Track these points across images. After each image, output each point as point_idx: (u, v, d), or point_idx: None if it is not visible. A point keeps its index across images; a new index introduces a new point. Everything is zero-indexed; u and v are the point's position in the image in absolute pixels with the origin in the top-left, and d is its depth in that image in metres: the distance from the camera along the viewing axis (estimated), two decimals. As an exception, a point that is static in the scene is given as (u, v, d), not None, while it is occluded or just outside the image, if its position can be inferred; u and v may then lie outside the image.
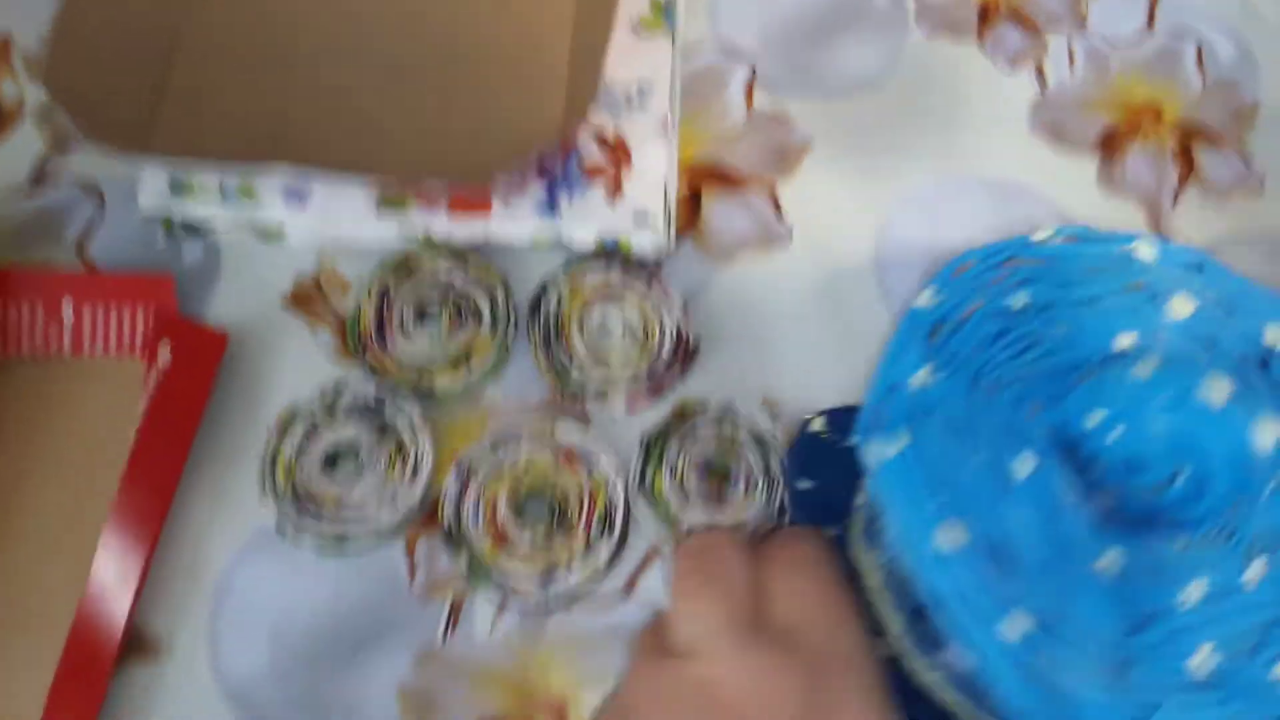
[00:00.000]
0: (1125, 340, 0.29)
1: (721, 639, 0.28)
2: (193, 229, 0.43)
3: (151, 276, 0.41)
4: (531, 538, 0.38)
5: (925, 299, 0.30)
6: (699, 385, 0.41)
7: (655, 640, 0.31)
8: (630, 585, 0.38)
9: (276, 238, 0.43)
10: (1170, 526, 0.28)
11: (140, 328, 0.41)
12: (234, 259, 0.43)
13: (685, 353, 0.41)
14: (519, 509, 0.38)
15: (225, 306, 0.43)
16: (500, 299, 0.42)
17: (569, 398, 0.41)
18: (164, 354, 0.39)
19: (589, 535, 0.38)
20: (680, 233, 0.44)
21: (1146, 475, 0.28)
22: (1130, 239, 0.30)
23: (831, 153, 0.46)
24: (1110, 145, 0.43)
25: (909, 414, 0.27)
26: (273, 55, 0.42)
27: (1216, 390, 0.27)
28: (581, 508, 0.38)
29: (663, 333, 0.41)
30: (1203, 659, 0.25)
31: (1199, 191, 0.42)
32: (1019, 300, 0.29)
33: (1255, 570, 0.26)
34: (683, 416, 0.40)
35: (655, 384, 0.40)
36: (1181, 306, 0.29)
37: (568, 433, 0.39)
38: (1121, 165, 0.42)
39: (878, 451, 0.26)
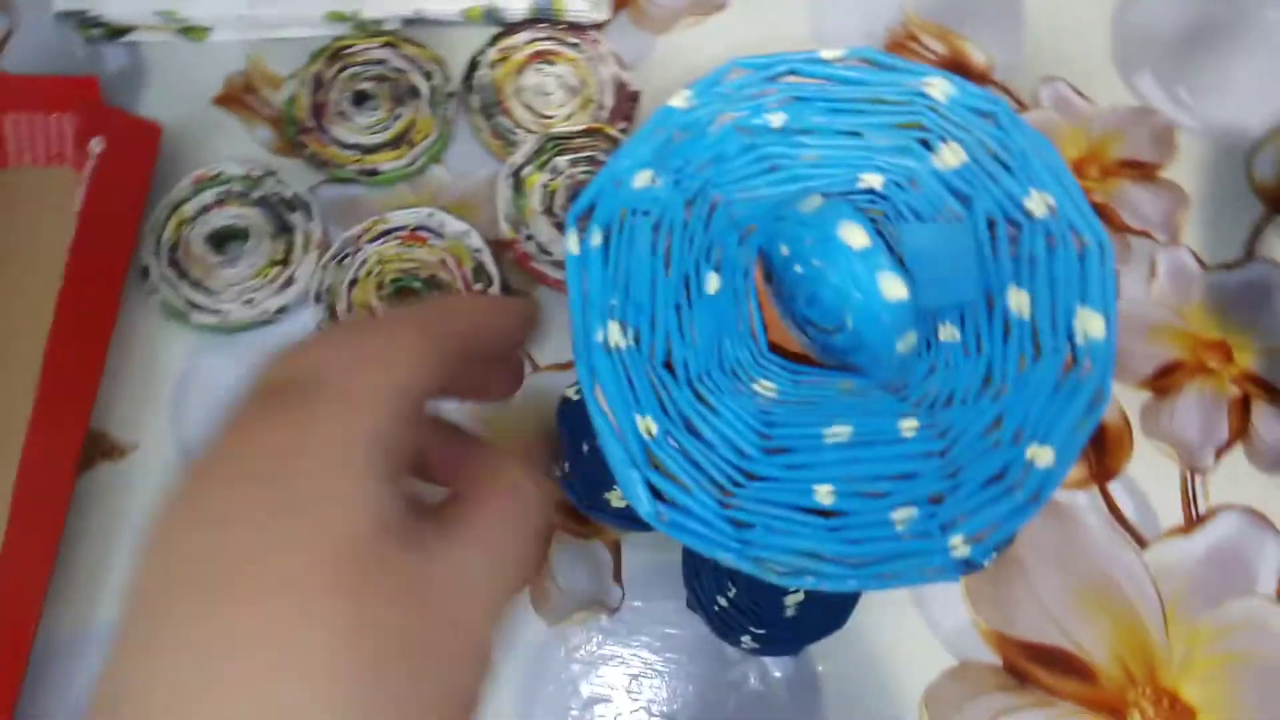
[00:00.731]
0: (871, 180, 0.28)
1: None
2: (113, 31, 0.41)
3: (75, 79, 0.40)
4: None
5: (681, 100, 0.27)
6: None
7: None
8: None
9: (201, 35, 0.42)
10: (841, 369, 0.29)
11: (69, 133, 0.40)
12: (159, 61, 0.42)
13: (628, 101, 0.40)
14: (392, 302, 0.38)
15: (154, 110, 0.41)
16: (437, 76, 0.41)
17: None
18: (96, 149, 0.38)
19: (473, 291, 0.37)
20: (617, 7, 0.43)
21: (823, 316, 0.27)
22: (927, 73, 0.28)
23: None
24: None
25: (622, 211, 0.26)
26: None
27: (855, 237, 0.26)
28: (453, 274, 0.37)
29: (601, 85, 0.40)
30: (827, 492, 0.25)
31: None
32: (777, 119, 0.27)
33: (906, 427, 0.26)
34: (591, 133, 0.39)
35: (602, 141, 0.40)
36: (951, 156, 0.27)
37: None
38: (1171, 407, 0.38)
39: (574, 241, 0.25)
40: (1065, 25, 0.43)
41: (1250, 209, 0.40)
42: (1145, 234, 0.40)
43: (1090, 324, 0.24)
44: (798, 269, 0.27)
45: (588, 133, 0.39)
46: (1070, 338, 0.24)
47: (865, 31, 0.43)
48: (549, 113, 0.40)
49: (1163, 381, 0.38)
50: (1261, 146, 0.41)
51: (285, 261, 0.38)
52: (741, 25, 0.43)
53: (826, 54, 0.27)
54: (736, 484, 0.26)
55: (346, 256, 0.38)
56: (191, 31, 0.42)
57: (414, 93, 0.41)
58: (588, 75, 0.41)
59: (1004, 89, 0.42)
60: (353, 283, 0.38)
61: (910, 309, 0.26)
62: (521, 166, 0.39)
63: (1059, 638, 0.35)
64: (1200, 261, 0.40)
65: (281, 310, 0.38)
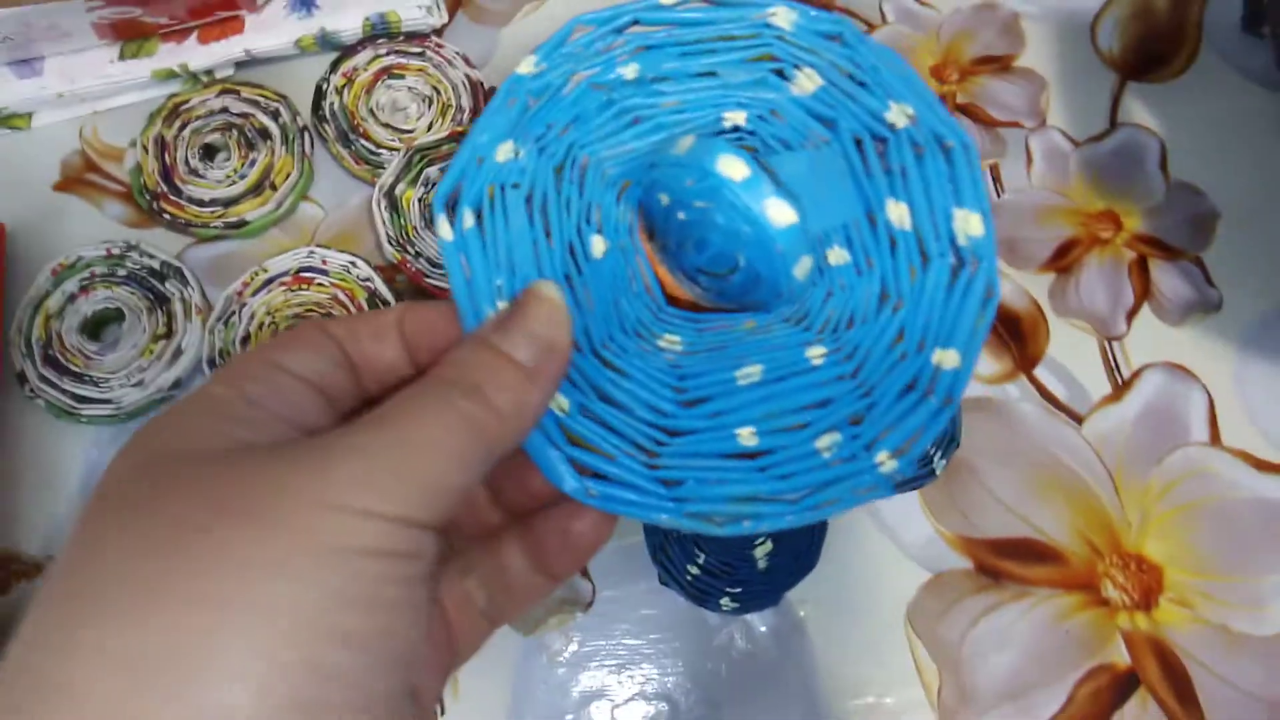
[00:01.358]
0: (734, 117, 0.28)
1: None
2: (-74, 137, 0.39)
3: (-105, 194, 0.37)
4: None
5: (528, 65, 0.27)
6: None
7: None
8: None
9: (23, 123, 0.39)
10: (741, 311, 0.29)
11: (-98, 252, 0.37)
12: (-15, 159, 0.40)
13: (485, 98, 0.39)
14: None
15: (-7, 210, 0.39)
16: (284, 113, 0.39)
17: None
18: (-65, 262, 0.36)
19: None
20: (451, 11, 0.42)
21: (714, 260, 0.27)
22: (768, 4, 0.27)
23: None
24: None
25: (489, 188, 0.26)
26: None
27: (735, 169, 0.26)
28: (348, 309, 0.36)
29: (455, 88, 0.39)
30: (749, 434, 0.25)
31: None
32: (630, 70, 0.27)
33: (814, 355, 0.26)
34: (455, 138, 0.38)
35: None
36: (807, 81, 0.27)
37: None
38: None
39: (445, 228, 0.25)
40: (894, -60, 0.44)
41: (1104, 80, 0.42)
42: (1015, 124, 0.41)
43: (969, 223, 0.24)
44: (681, 215, 0.26)
45: (452, 138, 0.38)
46: (953, 240, 0.25)
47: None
48: (408, 127, 0.39)
49: (1062, 261, 0.39)
50: (1100, 18, 0.43)
51: (169, 334, 0.36)
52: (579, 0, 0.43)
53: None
54: (660, 443, 0.25)
55: (233, 315, 0.36)
56: (12, 120, 0.39)
57: (264, 135, 0.39)
58: (439, 81, 0.40)
59: (849, 12, 0.43)
60: (245, 339, 0.36)
61: (801, 233, 0.26)
62: (393, 185, 0.37)
63: (1022, 528, 0.35)
64: (1070, 139, 0.41)
65: (176, 385, 0.36)
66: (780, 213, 0.25)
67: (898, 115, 0.25)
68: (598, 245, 0.27)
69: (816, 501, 0.24)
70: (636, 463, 0.24)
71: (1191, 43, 0.42)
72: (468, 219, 0.24)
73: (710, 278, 0.28)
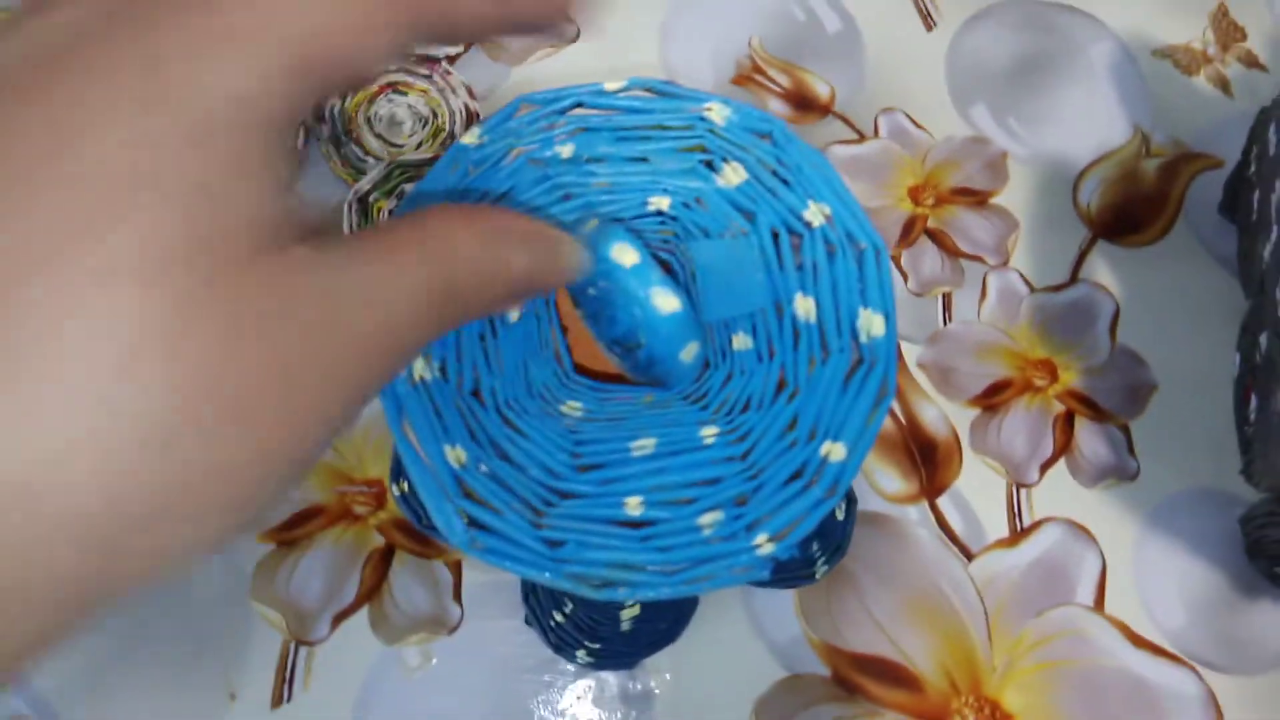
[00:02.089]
0: (659, 202, 0.29)
1: None
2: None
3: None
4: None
5: (472, 137, 0.29)
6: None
7: None
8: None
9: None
10: (648, 386, 0.30)
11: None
12: None
13: (473, 129, 0.41)
14: None
15: None
16: (289, 105, 0.41)
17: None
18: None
19: None
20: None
21: (624, 335, 0.28)
22: (705, 99, 0.29)
23: (618, -44, 0.47)
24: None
25: None
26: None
27: (625, 256, 0.27)
28: None
29: (452, 114, 0.41)
30: (636, 504, 0.26)
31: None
32: (567, 149, 0.28)
33: (707, 435, 0.27)
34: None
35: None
36: (733, 174, 0.28)
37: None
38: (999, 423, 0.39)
39: None
40: (903, 61, 0.45)
41: (1076, 234, 0.42)
42: (978, 259, 0.42)
43: (872, 324, 0.25)
44: (592, 291, 0.28)
45: (435, 160, 0.40)
46: (855, 337, 0.26)
47: (714, 64, 0.45)
48: (399, 141, 0.41)
49: (992, 399, 0.39)
50: (1086, 174, 0.44)
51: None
52: (593, 57, 0.45)
53: (610, 85, 0.28)
54: (549, 503, 0.26)
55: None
56: None
57: (265, 121, 0.41)
58: (439, 105, 0.41)
59: (845, 119, 0.44)
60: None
61: (686, 320, 0.27)
62: (369, 193, 0.39)
63: (887, 649, 0.36)
64: (1028, 283, 0.41)
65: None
66: (665, 301, 0.26)
67: (815, 214, 0.27)
68: (514, 310, 0.28)
69: (691, 576, 0.25)
70: (523, 520, 0.25)
71: (1169, 215, 0.43)
72: None
73: (623, 349, 0.29)
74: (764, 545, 0.25)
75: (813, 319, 0.27)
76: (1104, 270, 0.42)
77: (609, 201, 0.29)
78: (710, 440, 0.27)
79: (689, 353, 0.28)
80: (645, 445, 0.27)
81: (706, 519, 0.26)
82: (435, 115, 0.41)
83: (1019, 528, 0.38)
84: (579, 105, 0.28)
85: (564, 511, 0.26)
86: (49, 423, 0.12)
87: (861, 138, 0.44)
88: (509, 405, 0.27)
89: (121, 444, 0.13)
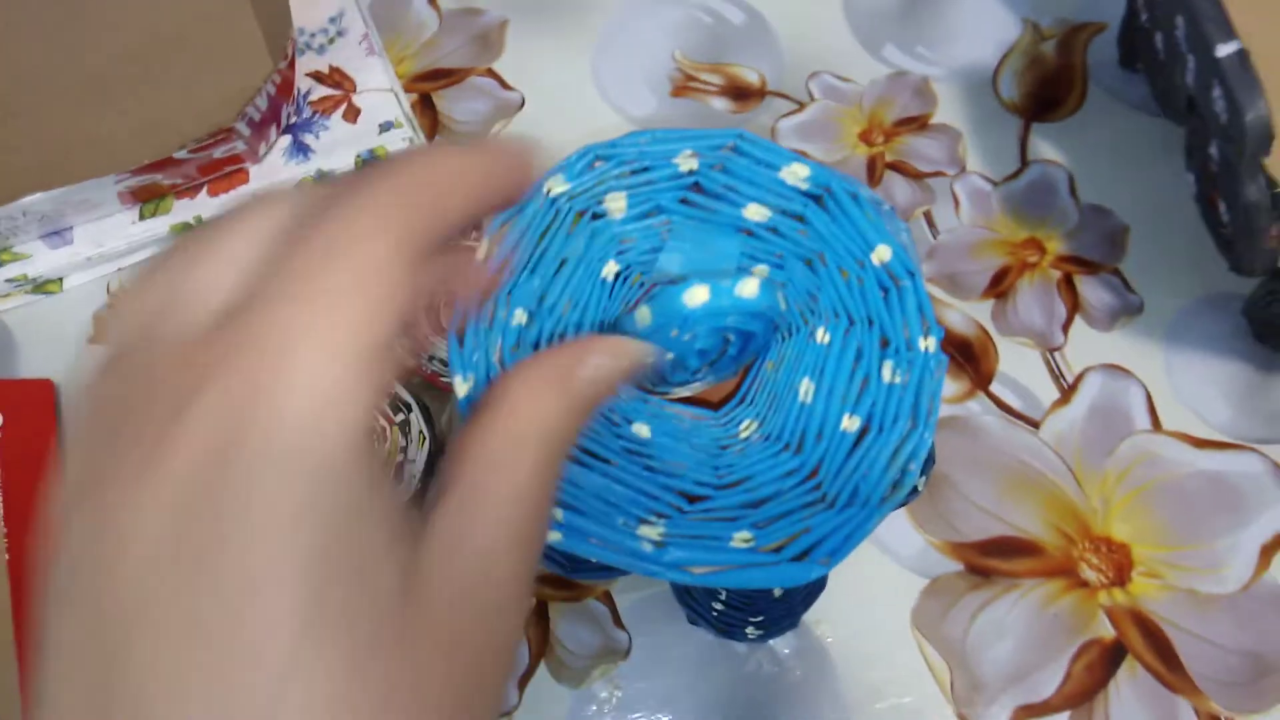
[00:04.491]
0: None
1: None
2: (-32, 312, 0.43)
3: (-52, 368, 0.41)
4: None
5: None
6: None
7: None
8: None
9: (56, 288, 0.43)
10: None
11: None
12: (23, 324, 0.43)
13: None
14: None
15: (36, 370, 0.42)
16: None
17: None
18: (-6, 423, 0.39)
19: (395, 423, 0.40)
20: (428, 136, 0.47)
21: (703, 354, 0.30)
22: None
23: (530, 19, 0.50)
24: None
25: None
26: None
27: (696, 296, 0.28)
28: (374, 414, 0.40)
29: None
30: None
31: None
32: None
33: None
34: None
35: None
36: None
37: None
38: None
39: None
40: (809, 29, 0.50)
41: (1011, 125, 0.47)
42: (939, 174, 0.46)
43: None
44: (669, 355, 0.30)
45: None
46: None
47: (651, 87, 0.49)
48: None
49: (998, 288, 0.44)
50: (999, 72, 0.48)
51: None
52: (545, 115, 0.48)
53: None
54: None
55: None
56: (46, 286, 0.43)
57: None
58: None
59: (781, 95, 0.48)
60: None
61: (765, 288, 0.30)
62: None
63: (1001, 528, 0.39)
64: (989, 180, 0.46)
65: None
66: (749, 288, 0.30)
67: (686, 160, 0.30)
68: (643, 430, 0.31)
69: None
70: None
71: (1080, 83, 0.48)
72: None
73: (710, 367, 0.32)
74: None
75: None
76: (1046, 147, 0.47)
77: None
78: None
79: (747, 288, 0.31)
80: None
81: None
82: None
83: (1065, 386, 0.42)
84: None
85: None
86: None
87: (801, 106, 0.48)
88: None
89: None
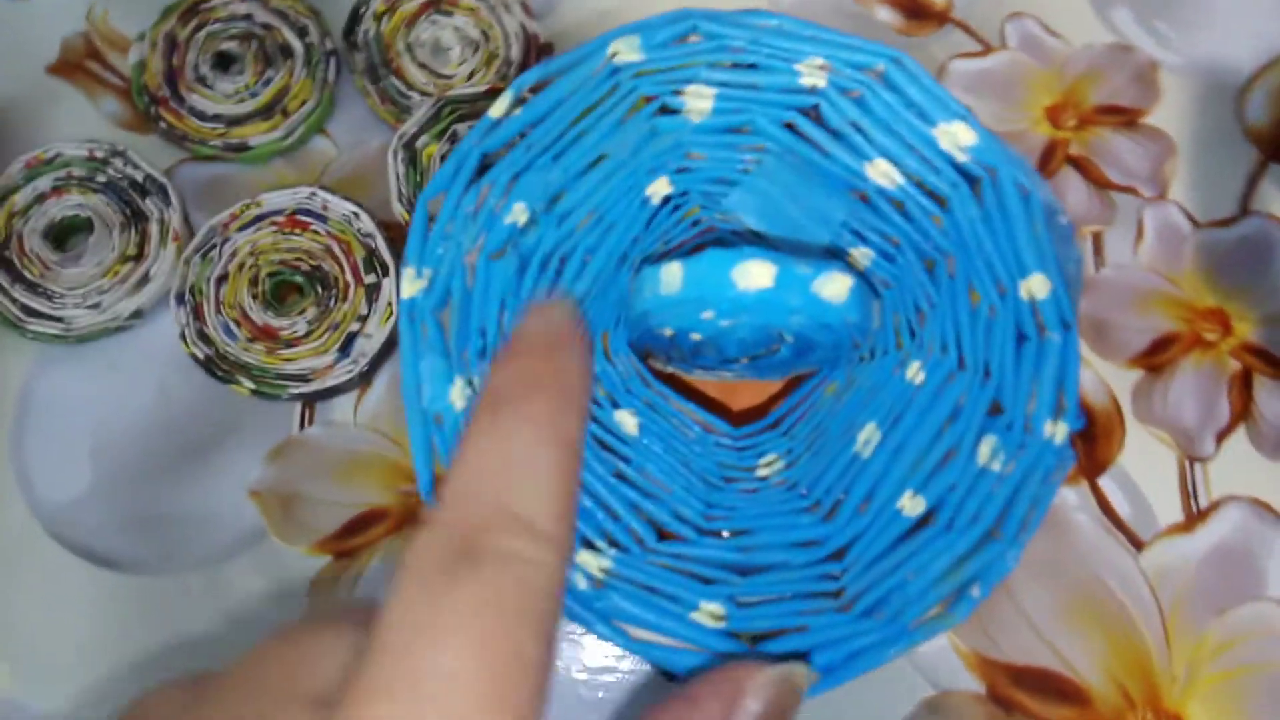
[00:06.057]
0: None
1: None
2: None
3: None
4: (306, 318, 0.32)
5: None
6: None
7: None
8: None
9: (28, -8, 0.35)
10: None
11: None
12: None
13: (537, 53, 0.34)
14: (270, 300, 0.32)
15: (-21, 82, 0.35)
16: (313, 32, 0.35)
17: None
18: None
19: (364, 284, 0.32)
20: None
21: (750, 346, 0.25)
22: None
23: None
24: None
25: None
26: None
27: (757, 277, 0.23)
28: (340, 265, 0.32)
29: (506, 35, 0.35)
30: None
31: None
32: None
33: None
34: (495, 94, 0.33)
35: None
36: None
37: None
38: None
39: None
40: (1033, -46, 0.38)
41: (1243, 156, 0.36)
42: (1131, 190, 0.35)
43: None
44: (696, 336, 0.23)
45: (491, 93, 0.33)
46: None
47: (809, -32, 0.38)
48: (447, 72, 0.35)
49: (1155, 358, 0.34)
50: (1252, 85, 0.37)
51: (139, 256, 0.32)
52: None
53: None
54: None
55: (213, 248, 0.32)
56: (17, -13, 0.35)
57: (286, 52, 0.35)
58: (490, 26, 0.35)
59: (965, 28, 0.37)
60: (221, 279, 0.32)
61: (859, 290, 0.22)
62: (415, 136, 0.33)
63: (1048, 658, 0.31)
64: (1191, 218, 0.35)
65: (136, 314, 0.32)
66: (835, 288, 0.21)
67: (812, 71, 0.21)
68: (628, 422, 0.23)
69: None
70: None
71: (1354, 132, 0.36)
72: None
73: (750, 361, 0.24)
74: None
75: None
76: (1278, 199, 0.36)
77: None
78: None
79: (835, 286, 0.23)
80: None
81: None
82: (487, 38, 0.35)
83: (1195, 510, 0.32)
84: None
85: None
86: None
87: (987, 49, 0.37)
88: (709, 518, 0.25)
89: None
